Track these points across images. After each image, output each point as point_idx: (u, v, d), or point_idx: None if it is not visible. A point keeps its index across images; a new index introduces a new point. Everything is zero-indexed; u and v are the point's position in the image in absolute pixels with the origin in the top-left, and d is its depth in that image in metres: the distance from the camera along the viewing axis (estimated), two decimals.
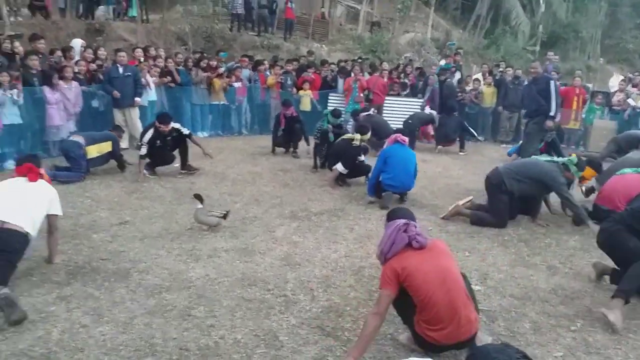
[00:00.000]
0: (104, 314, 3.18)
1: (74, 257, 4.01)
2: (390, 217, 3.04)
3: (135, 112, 8.52)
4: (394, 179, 5.83)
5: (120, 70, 8.29)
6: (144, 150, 6.46)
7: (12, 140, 7.06)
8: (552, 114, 7.49)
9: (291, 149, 8.70)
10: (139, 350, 2.80)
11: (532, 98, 7.66)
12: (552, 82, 7.57)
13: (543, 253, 4.57)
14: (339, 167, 6.60)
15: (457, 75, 11.78)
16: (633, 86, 11.37)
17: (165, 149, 6.77)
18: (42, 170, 3.91)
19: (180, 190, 6.06)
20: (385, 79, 11.38)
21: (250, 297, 3.47)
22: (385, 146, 6.22)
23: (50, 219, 3.78)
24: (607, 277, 3.98)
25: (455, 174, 7.87)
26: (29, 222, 3.46)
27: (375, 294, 3.59)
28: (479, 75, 12.48)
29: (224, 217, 4.78)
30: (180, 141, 6.82)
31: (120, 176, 6.60)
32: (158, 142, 6.56)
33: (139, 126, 8.45)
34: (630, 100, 10.67)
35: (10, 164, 6.92)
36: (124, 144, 8.09)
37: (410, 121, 9.86)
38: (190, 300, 3.38)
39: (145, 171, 6.59)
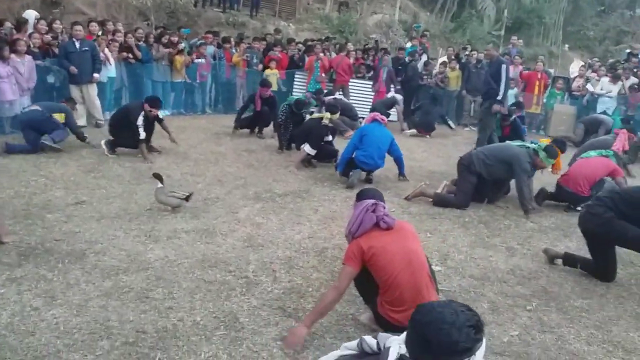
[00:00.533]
0: (57, 296, 3.07)
1: (26, 238, 3.84)
2: (360, 197, 3.03)
3: (93, 89, 8.15)
4: (368, 157, 5.92)
5: (77, 45, 7.87)
6: (142, 134, 6.35)
7: None
8: (499, 97, 7.52)
9: (256, 130, 8.50)
10: (93, 333, 2.71)
11: (484, 81, 7.88)
12: (503, 66, 7.58)
13: (502, 234, 4.67)
14: (307, 148, 6.54)
15: (424, 58, 11.81)
16: (593, 72, 11.68)
17: (153, 127, 6.69)
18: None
19: (139, 170, 5.89)
20: (352, 60, 11.30)
21: (211, 279, 3.42)
22: (362, 123, 6.24)
23: None
24: (559, 261, 4.07)
25: (419, 157, 7.94)
26: None
27: (338, 274, 3.59)
28: (445, 59, 12.56)
29: (187, 199, 4.66)
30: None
31: (76, 154, 6.35)
32: (146, 125, 6.47)
33: (97, 103, 8.17)
34: (589, 86, 10.97)
35: None
36: (81, 121, 7.83)
37: (375, 109, 9.89)
38: (148, 282, 3.29)
39: (105, 147, 6.45)
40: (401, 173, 6.41)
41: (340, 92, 10.45)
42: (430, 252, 4.08)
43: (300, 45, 11.93)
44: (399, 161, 6.36)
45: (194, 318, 2.92)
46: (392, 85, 10.97)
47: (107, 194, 5.01)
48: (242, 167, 6.42)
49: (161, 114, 6.67)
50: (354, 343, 1.69)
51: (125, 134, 6.48)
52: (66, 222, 4.22)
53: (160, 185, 4.54)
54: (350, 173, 5.93)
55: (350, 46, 12.22)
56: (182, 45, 9.99)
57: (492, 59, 7.96)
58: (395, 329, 2.77)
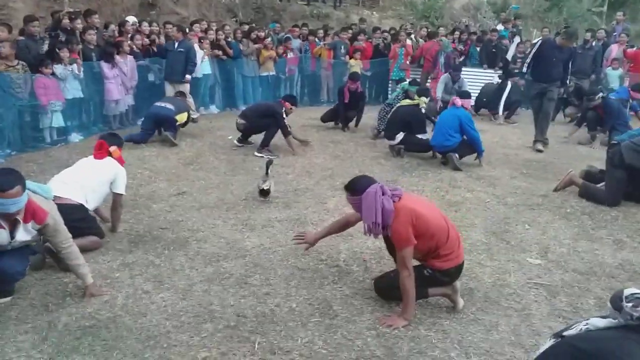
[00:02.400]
0: (165, 280, 3.30)
1: (135, 227, 4.16)
2: (357, 191, 2.96)
3: (185, 88, 8.43)
4: (435, 141, 6.25)
5: (175, 44, 8.38)
6: (288, 128, 6.61)
7: (74, 114, 7.35)
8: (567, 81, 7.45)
9: (340, 124, 8.34)
10: (198, 316, 2.89)
11: (553, 65, 6.95)
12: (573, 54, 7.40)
13: (609, 226, 4.35)
14: (423, 136, 6.64)
15: (517, 40, 11.19)
16: None
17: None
18: (113, 149, 3.99)
19: (234, 162, 6.14)
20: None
21: (304, 266, 3.50)
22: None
23: (113, 196, 3.95)
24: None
25: (513, 144, 7.58)
26: (79, 194, 3.65)
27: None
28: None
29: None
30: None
31: (176, 148, 6.75)
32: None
33: (190, 101, 8.58)
34: None
35: (74, 137, 7.24)
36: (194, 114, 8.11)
37: (484, 99, 9.74)
38: (246, 269, 3.44)
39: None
40: (477, 157, 6.25)
41: (429, 81, 10.18)
42: (529, 245, 3.91)
43: (386, 34, 11.76)
44: (473, 142, 6.16)
45: (290, 304, 3.01)
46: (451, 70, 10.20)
47: (206, 184, 5.29)
48: (329, 158, 6.48)
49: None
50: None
51: (259, 129, 6.67)
52: (170, 212, 4.51)
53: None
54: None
55: (442, 31, 11.66)
56: (268, 40, 10.24)
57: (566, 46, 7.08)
58: (452, 274, 2.93)
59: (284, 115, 6.53)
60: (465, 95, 6.75)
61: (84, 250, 3.38)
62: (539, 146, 7.17)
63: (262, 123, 6.58)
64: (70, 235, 2.95)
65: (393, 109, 7.06)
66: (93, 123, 7.79)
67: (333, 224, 3.51)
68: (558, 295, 3.19)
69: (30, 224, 2.80)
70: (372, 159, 6.49)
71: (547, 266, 3.58)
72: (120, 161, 4.05)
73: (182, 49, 8.34)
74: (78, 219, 3.52)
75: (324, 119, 8.43)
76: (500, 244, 3.95)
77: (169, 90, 8.44)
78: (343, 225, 3.42)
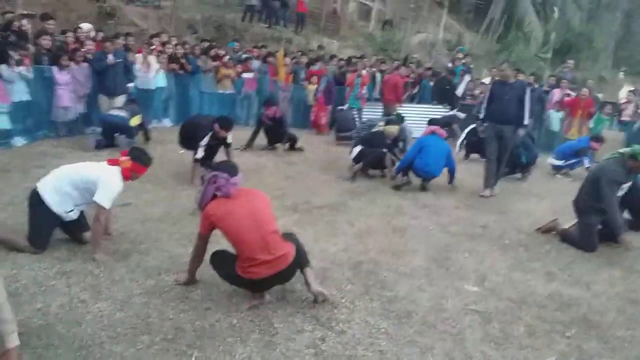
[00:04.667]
0: (103, 291, 3.22)
1: None
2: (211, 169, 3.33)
3: (121, 100, 7.96)
4: (426, 165, 6.43)
5: (110, 56, 7.81)
6: (200, 153, 5.91)
7: (19, 117, 7.09)
8: (525, 122, 6.42)
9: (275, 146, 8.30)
10: (135, 328, 2.83)
11: (507, 103, 6.36)
12: (528, 89, 6.56)
13: (542, 259, 4.57)
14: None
15: (467, 78, 11.74)
16: None
17: (217, 149, 6.25)
18: (125, 159, 3.80)
19: (183, 176, 6.07)
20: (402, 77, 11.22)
21: None
22: (421, 135, 6.87)
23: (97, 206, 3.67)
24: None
25: (459, 176, 7.84)
26: (52, 192, 3.68)
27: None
28: (487, 80, 12.46)
29: None
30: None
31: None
32: (212, 143, 6.07)
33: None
34: None
35: (17, 141, 6.97)
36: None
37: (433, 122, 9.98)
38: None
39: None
40: (450, 182, 6.75)
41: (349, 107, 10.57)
42: (467, 273, 4.05)
43: (342, 62, 12.04)
44: (451, 172, 6.70)
45: (230, 320, 3.00)
46: (330, 97, 10.73)
47: (153, 197, 5.21)
48: (281, 179, 6.53)
49: (229, 137, 6.14)
50: None
51: (193, 146, 6.13)
52: (113, 223, 4.38)
53: None
54: (403, 177, 6.58)
55: (403, 69, 11.75)
56: (227, 58, 10.28)
57: (508, 79, 6.54)
58: (260, 283, 3.13)
59: (207, 139, 5.96)
60: (440, 124, 7.16)
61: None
62: (487, 192, 6.58)
63: (189, 143, 6.28)
64: None
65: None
66: (38, 128, 7.54)
67: (198, 257, 3.37)
68: (491, 321, 3.32)
69: None
70: (324, 182, 6.58)
71: (483, 294, 3.73)
72: (125, 174, 3.80)
73: (120, 59, 7.96)
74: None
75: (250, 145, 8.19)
76: (440, 270, 4.08)
77: (104, 102, 7.94)
78: (203, 253, 3.36)
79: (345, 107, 10.42)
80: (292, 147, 8.39)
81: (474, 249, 4.63)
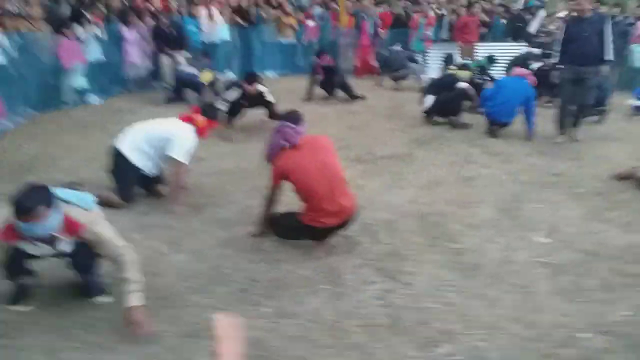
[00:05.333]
0: (180, 243, 3.43)
1: None
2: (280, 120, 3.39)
3: (182, 56, 8.14)
4: (495, 112, 6.22)
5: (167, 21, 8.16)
6: (222, 105, 5.82)
7: (94, 76, 7.45)
8: (609, 57, 5.80)
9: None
10: (211, 279, 3.02)
11: (586, 41, 5.76)
12: (607, 21, 5.94)
13: (620, 208, 4.33)
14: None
15: (542, 13, 10.94)
16: None
17: (247, 107, 6.25)
18: (200, 118, 3.94)
19: (249, 129, 6.20)
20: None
21: None
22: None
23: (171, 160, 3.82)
24: None
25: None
26: (131, 149, 3.84)
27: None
28: (563, 14, 11.55)
29: None
30: (262, 101, 6.16)
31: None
32: (242, 101, 6.06)
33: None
34: None
35: (93, 99, 7.36)
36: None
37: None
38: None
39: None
40: (528, 133, 6.27)
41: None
42: (539, 224, 3.94)
43: (408, 3, 11.55)
44: (530, 118, 6.26)
45: (301, 272, 3.12)
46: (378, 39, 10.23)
47: (222, 151, 5.38)
48: (344, 129, 6.51)
49: (270, 97, 6.06)
50: None
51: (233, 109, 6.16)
52: (186, 177, 4.59)
53: None
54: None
55: (476, 7, 11.02)
56: (288, 6, 10.15)
57: (585, 14, 5.83)
58: (324, 232, 3.28)
59: (235, 94, 5.95)
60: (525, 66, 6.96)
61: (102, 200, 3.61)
62: (559, 139, 6.19)
63: None
64: (119, 243, 2.53)
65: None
66: (112, 85, 7.90)
67: (270, 207, 3.44)
68: (563, 274, 3.23)
69: (70, 237, 2.48)
70: (388, 130, 6.51)
71: (555, 245, 3.62)
72: (202, 132, 3.95)
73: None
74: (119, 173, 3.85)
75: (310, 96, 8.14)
76: (510, 221, 3.99)
77: (166, 60, 8.13)
78: (274, 203, 3.43)
79: (394, 46, 9.98)
80: (352, 96, 8.17)
81: (546, 199, 4.47)
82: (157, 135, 3.85)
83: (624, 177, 4.98)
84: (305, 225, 3.25)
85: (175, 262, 3.19)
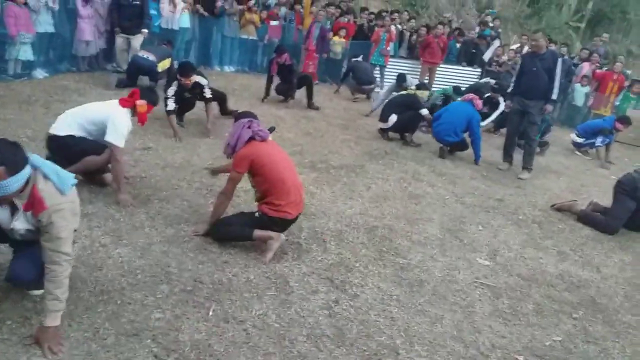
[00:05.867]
0: (123, 236, 3.28)
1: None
2: (237, 119, 3.47)
3: (138, 41, 7.85)
4: (440, 129, 6.49)
5: None
6: (171, 105, 5.53)
7: (42, 49, 7.04)
8: (554, 97, 6.08)
9: (289, 99, 8.01)
10: (155, 276, 2.90)
11: (535, 76, 6.03)
12: (559, 61, 6.10)
13: (555, 237, 4.59)
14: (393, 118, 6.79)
15: (497, 43, 11.41)
16: None
17: (193, 101, 5.98)
18: (141, 102, 3.78)
19: (203, 123, 6.06)
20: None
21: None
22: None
23: (110, 148, 3.67)
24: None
25: None
26: (71, 128, 3.68)
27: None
28: (515, 46, 12.14)
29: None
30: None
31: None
32: (185, 94, 5.73)
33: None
34: None
35: (39, 73, 6.96)
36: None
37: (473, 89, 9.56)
38: (207, 235, 3.46)
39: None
40: (475, 159, 6.55)
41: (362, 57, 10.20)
42: (480, 246, 4.09)
43: (372, 16, 11.71)
44: (474, 144, 6.53)
45: (247, 275, 3.07)
46: (324, 45, 10.30)
47: (172, 143, 5.22)
48: (300, 134, 6.50)
49: (208, 92, 5.78)
50: None
51: (180, 105, 5.82)
52: (134, 167, 4.44)
53: None
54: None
55: (440, 28, 11.09)
56: (252, 2, 10.03)
57: (540, 50, 6.10)
58: (284, 223, 3.36)
59: (173, 89, 5.57)
60: (479, 92, 7.09)
61: (87, 171, 3.71)
62: (504, 166, 6.53)
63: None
64: (64, 250, 2.23)
65: (391, 98, 7.46)
66: (60, 61, 7.51)
67: (226, 202, 3.45)
68: (501, 297, 3.37)
69: (29, 213, 2.23)
70: (343, 141, 6.55)
71: (494, 268, 3.77)
72: (142, 118, 3.84)
73: (137, 2, 7.75)
74: (71, 147, 3.65)
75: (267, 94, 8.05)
76: (454, 240, 4.12)
77: (119, 41, 7.81)
78: (230, 198, 3.48)
79: (359, 58, 10.11)
80: (309, 104, 8.10)
81: (488, 222, 4.65)
82: (93, 119, 3.70)
83: (560, 209, 5.26)
84: (267, 217, 3.28)
85: (117, 255, 3.05)
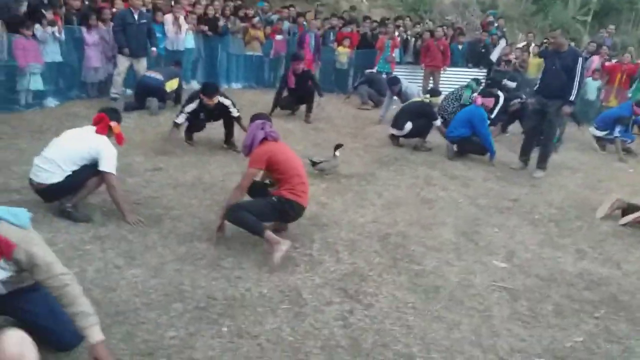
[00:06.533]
0: (136, 257, 3.30)
1: (109, 199, 4.08)
2: (252, 120, 3.80)
3: (143, 63, 7.77)
4: (450, 129, 6.74)
5: (136, 16, 7.48)
6: (181, 119, 5.59)
7: (52, 78, 7.17)
8: (572, 98, 5.89)
9: (304, 110, 7.85)
10: (168, 295, 2.91)
11: (554, 74, 5.95)
12: (580, 60, 5.90)
13: (573, 235, 4.50)
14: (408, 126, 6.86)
15: (503, 43, 11.33)
16: None
17: (206, 121, 6.00)
18: (114, 124, 3.87)
19: (213, 142, 6.10)
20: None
21: None
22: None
23: (103, 175, 3.72)
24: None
25: None
26: (58, 174, 3.63)
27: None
28: (524, 44, 12.06)
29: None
30: (224, 114, 5.88)
31: (155, 122, 6.67)
32: (201, 114, 5.76)
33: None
34: None
35: (50, 102, 7.09)
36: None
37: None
38: (219, 251, 3.47)
39: (183, 138, 5.95)
40: (490, 154, 6.58)
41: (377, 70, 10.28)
42: (496, 248, 4.03)
43: (375, 24, 11.73)
44: (482, 140, 6.57)
45: (260, 290, 3.06)
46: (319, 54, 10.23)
47: (183, 162, 5.26)
48: (309, 146, 6.51)
49: (234, 112, 5.77)
50: None
51: (192, 122, 5.89)
52: (145, 187, 4.48)
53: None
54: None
55: (439, 31, 11.03)
56: (256, 19, 10.13)
57: (562, 49, 5.99)
58: (297, 210, 3.60)
59: (192, 106, 5.61)
60: (488, 94, 7.14)
61: (90, 193, 3.81)
62: (517, 165, 6.44)
63: None
64: (61, 270, 2.19)
65: (403, 105, 7.40)
66: (70, 89, 7.63)
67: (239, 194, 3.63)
68: (519, 299, 3.31)
69: (2, 261, 2.13)
70: (352, 150, 6.54)
71: (511, 270, 3.71)
72: (119, 139, 3.93)
73: (144, 20, 7.64)
74: (66, 189, 3.68)
75: (280, 106, 7.91)
76: (469, 244, 4.07)
77: (124, 63, 7.62)
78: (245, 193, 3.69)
79: (374, 69, 10.18)
80: (307, 117, 7.87)
81: (503, 224, 4.58)
82: (76, 158, 3.69)
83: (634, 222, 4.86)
84: (285, 200, 3.51)
85: (130, 276, 3.07)
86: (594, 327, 3.08)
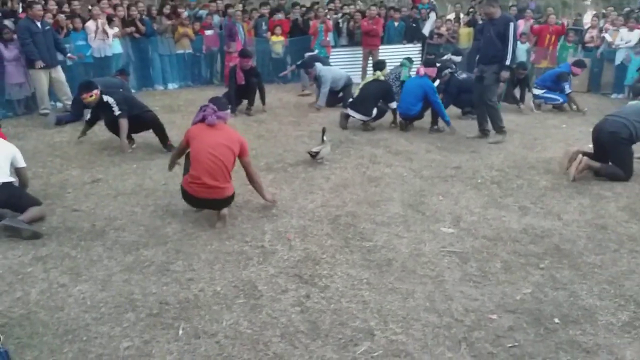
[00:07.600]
0: (82, 272, 3.18)
1: (47, 218, 3.95)
2: (209, 101, 3.96)
3: (60, 72, 7.46)
4: (399, 106, 6.92)
5: (39, 24, 7.09)
6: (86, 115, 5.74)
7: None
8: (507, 62, 6.05)
9: (247, 107, 7.83)
10: (119, 307, 2.83)
11: (488, 41, 6.12)
12: (511, 25, 6.00)
13: (515, 194, 4.68)
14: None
15: (433, 16, 11.56)
16: (609, 22, 11.23)
17: (105, 120, 5.84)
18: None
19: (152, 146, 5.95)
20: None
21: (228, 249, 3.50)
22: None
23: (19, 172, 4.06)
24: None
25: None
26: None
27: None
28: (451, 16, 12.36)
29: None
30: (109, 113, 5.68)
31: (90, 132, 6.40)
32: (99, 114, 5.75)
33: (67, 88, 7.60)
34: (606, 36, 10.55)
35: None
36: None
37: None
38: (168, 256, 3.39)
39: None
40: (445, 123, 6.79)
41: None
42: (443, 215, 4.13)
43: (304, 9, 11.68)
44: (438, 111, 6.79)
45: (214, 288, 3.02)
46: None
47: (122, 170, 5.10)
48: (253, 138, 6.43)
49: (116, 110, 5.59)
50: None
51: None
52: (84, 201, 4.32)
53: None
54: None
55: (373, 10, 11.14)
56: (184, 15, 9.88)
57: (494, 16, 6.12)
58: (191, 200, 3.86)
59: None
60: (429, 63, 7.12)
61: (34, 221, 3.76)
62: (495, 138, 6.47)
63: None
64: None
65: (360, 87, 7.18)
66: None
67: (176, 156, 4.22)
68: (469, 261, 3.41)
69: None
70: (296, 137, 6.53)
71: (459, 234, 3.82)
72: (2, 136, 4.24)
73: (48, 27, 7.28)
74: (12, 195, 3.85)
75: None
76: (416, 215, 4.15)
77: (42, 78, 7.23)
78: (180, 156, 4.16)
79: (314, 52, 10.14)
80: (248, 110, 7.82)
81: (448, 191, 4.71)
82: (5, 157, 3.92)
83: (580, 172, 5.03)
84: (181, 186, 3.89)
85: (77, 293, 2.96)
86: (540, 278, 3.22)
